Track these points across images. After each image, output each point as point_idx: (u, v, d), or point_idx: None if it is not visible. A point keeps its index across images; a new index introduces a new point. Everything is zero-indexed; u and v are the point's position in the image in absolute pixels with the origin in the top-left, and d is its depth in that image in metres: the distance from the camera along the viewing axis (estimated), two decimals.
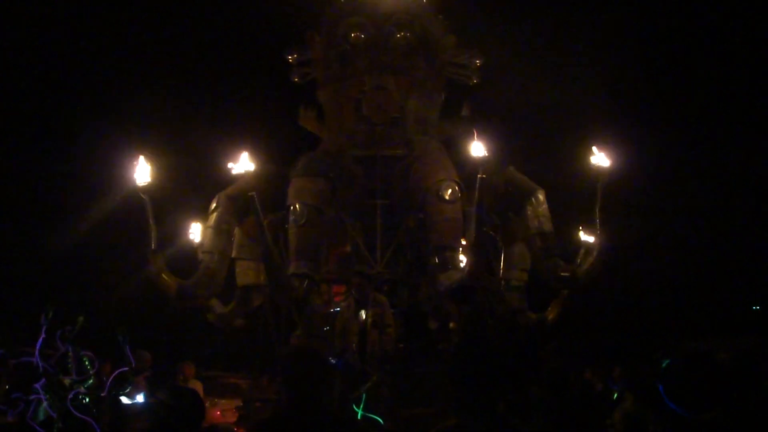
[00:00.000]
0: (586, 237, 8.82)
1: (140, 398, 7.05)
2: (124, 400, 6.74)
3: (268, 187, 8.54)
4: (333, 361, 7.62)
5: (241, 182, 8.25)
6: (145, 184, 7.61)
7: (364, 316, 7.92)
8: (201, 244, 8.88)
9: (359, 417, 6.84)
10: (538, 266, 9.11)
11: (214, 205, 8.90)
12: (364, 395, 7.04)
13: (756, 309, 17.32)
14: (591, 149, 8.37)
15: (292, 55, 9.78)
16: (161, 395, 3.39)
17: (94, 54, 13.85)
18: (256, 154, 7.59)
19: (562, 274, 8.82)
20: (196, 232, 9.05)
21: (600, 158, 8.34)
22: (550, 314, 9.52)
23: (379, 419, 6.96)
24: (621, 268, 12.79)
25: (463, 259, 8.29)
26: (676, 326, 14.25)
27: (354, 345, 7.89)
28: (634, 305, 14.88)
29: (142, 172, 7.60)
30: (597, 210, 8.43)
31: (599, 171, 8.34)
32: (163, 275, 8.05)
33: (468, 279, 7.74)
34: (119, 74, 13.86)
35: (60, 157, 13.75)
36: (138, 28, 13.70)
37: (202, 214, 9.10)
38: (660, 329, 13.95)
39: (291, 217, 8.52)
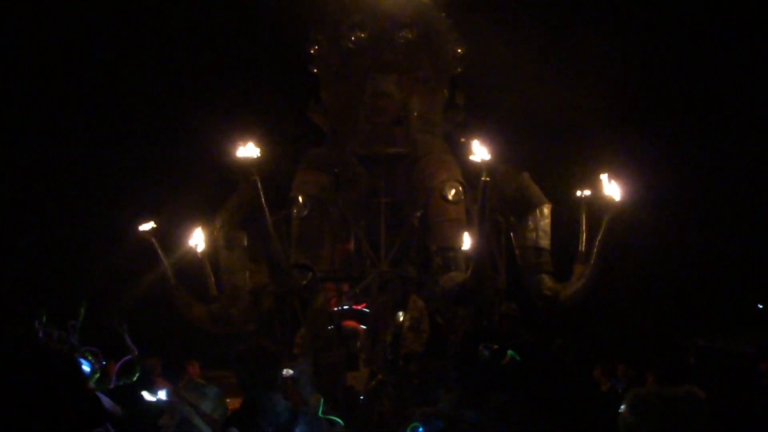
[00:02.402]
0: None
1: (162, 395, 7.05)
2: (146, 396, 6.74)
3: (273, 183, 8.52)
4: (291, 372, 7.60)
5: (239, 194, 8.30)
6: (150, 228, 7.83)
7: (401, 318, 7.92)
8: (216, 262, 8.85)
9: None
10: (525, 279, 8.93)
11: (218, 224, 8.90)
12: (322, 400, 7.04)
13: (761, 307, 17.25)
14: (601, 178, 7.49)
15: (312, 47, 9.69)
16: (185, 393, 3.41)
17: (92, 52, 13.83)
18: (261, 143, 7.38)
19: (544, 292, 8.62)
20: (198, 238, 8.70)
21: (612, 189, 7.39)
22: (565, 291, 8.68)
23: (339, 420, 6.94)
24: (629, 265, 12.76)
25: (466, 257, 8.25)
26: (681, 324, 14.19)
27: (387, 346, 7.92)
28: (640, 303, 14.84)
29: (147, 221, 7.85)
30: (597, 241, 7.74)
31: (609, 204, 7.44)
32: (192, 307, 8.20)
33: (470, 281, 7.65)
34: (117, 69, 13.85)
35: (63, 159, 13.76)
36: (140, 24, 13.69)
37: (205, 214, 9.07)
38: (664, 327, 13.91)
39: (293, 209, 8.51)
